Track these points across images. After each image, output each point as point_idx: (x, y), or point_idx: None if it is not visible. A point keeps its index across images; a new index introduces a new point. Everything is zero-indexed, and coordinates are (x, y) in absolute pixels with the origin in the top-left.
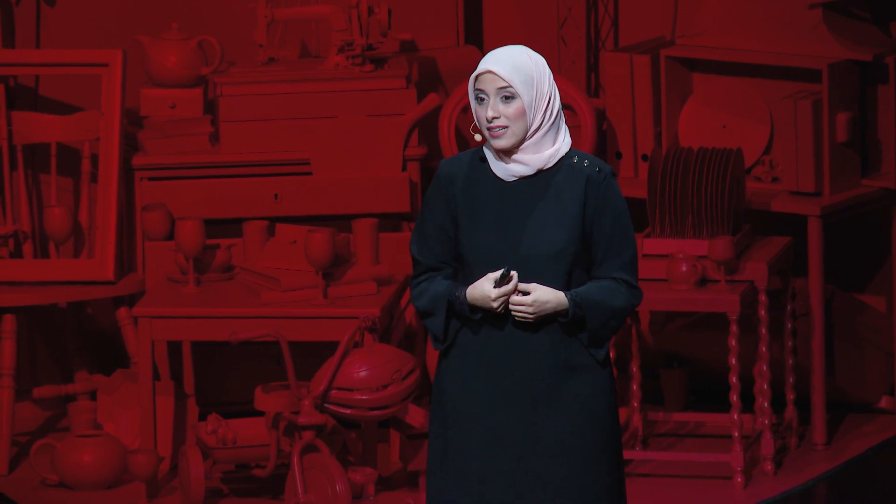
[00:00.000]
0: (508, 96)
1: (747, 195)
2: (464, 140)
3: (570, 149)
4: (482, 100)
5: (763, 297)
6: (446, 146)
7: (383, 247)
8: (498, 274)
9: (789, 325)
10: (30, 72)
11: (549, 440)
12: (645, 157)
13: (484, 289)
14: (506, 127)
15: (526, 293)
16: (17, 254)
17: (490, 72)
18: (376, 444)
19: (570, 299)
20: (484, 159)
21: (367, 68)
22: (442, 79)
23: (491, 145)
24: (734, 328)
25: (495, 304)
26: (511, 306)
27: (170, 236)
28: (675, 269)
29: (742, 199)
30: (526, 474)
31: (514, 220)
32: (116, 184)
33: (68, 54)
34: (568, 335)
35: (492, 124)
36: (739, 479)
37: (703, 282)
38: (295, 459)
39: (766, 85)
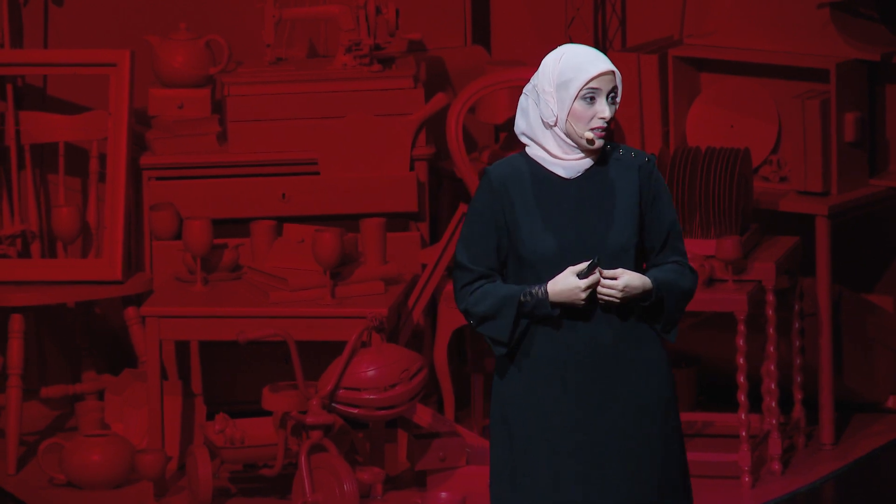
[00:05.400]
0: (615, 98)
1: (755, 195)
2: (471, 140)
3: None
4: (593, 99)
5: (771, 297)
6: (454, 146)
7: (391, 246)
8: (583, 266)
9: (797, 325)
10: (38, 72)
11: (622, 437)
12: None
13: (569, 282)
14: (606, 127)
15: (613, 278)
16: (25, 253)
17: (613, 72)
18: (384, 444)
19: (653, 282)
20: (533, 161)
21: (375, 68)
22: (450, 78)
23: (593, 145)
24: (742, 328)
25: (584, 296)
26: (599, 289)
27: (178, 236)
28: None
29: (750, 198)
30: (601, 473)
31: (578, 218)
32: (124, 183)
33: (76, 54)
34: (633, 329)
35: (605, 125)
36: (747, 479)
37: (711, 281)
38: (302, 459)
39: (774, 84)
